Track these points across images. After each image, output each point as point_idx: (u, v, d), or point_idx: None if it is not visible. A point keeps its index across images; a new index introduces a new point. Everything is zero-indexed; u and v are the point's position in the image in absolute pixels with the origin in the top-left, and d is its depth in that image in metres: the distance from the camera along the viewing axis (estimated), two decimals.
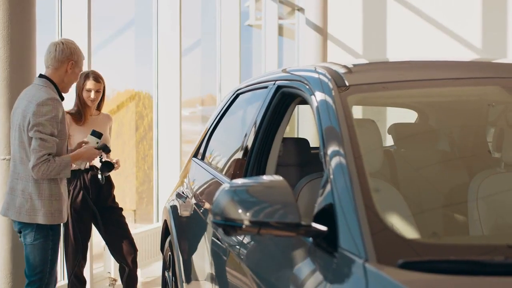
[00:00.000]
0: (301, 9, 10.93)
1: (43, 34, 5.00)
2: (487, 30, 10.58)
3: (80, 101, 4.68)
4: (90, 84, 4.67)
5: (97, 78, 4.69)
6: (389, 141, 3.35)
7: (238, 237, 2.57)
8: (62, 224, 4.60)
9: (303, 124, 10.25)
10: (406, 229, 2.23)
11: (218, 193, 1.98)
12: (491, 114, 2.95)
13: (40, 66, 4.36)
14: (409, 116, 3.74)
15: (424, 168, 2.85)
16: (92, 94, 4.67)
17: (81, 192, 4.67)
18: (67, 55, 3.92)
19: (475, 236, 2.40)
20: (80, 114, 4.69)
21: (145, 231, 6.60)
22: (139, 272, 5.16)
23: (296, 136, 9.81)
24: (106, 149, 4.25)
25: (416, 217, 2.32)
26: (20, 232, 3.96)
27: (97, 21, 6.18)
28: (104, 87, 4.76)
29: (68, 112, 4.66)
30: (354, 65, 2.92)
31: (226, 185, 2.00)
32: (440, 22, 10.71)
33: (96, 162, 4.64)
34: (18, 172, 3.87)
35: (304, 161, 3.35)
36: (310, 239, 2.02)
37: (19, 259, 4.24)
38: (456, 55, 10.32)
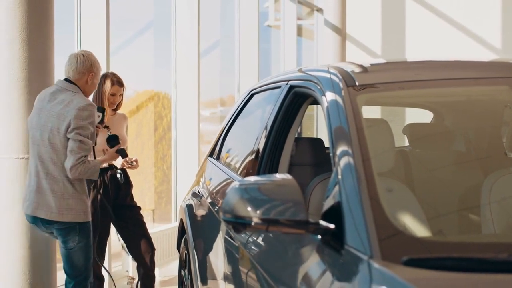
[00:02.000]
0: (320, 10, 10.93)
1: (61, 34, 5.06)
2: (506, 30, 10.51)
3: (103, 104, 4.73)
4: (115, 89, 4.76)
5: (121, 83, 4.79)
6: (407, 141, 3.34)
7: (249, 235, 2.60)
8: None
9: (322, 124, 10.24)
10: (414, 228, 2.24)
11: (228, 191, 2.01)
12: (507, 114, 2.94)
13: (58, 66, 4.41)
14: (427, 115, 3.73)
15: (438, 168, 2.85)
16: (117, 98, 4.79)
17: (101, 191, 4.72)
18: (87, 67, 4.07)
19: (482, 235, 2.40)
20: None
21: (163, 230, 6.64)
22: (156, 271, 5.20)
23: (314, 136, 9.81)
24: (123, 153, 4.44)
25: (427, 216, 2.33)
26: (50, 234, 4.04)
27: (117, 22, 6.24)
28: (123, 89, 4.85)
29: None
30: (368, 65, 2.91)
31: (236, 183, 2.03)
32: (459, 22, 10.66)
33: (115, 162, 4.70)
34: (49, 172, 3.94)
35: (318, 160, 3.37)
36: (319, 236, 2.04)
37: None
38: (475, 55, 10.26)
